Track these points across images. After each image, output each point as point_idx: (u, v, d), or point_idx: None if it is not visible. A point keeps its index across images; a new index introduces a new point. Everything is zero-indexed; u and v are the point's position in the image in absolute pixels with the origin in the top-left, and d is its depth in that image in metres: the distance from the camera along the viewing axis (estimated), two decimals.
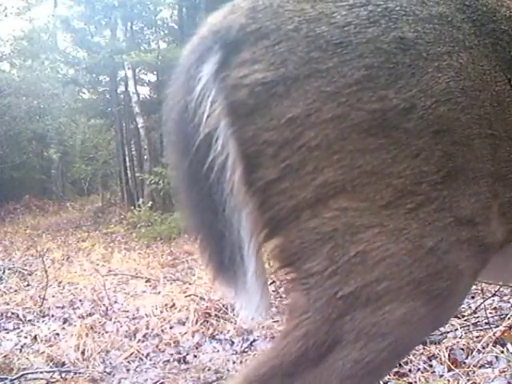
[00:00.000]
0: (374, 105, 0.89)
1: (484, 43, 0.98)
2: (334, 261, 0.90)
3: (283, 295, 3.88)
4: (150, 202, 10.84)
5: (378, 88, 0.89)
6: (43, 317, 4.22)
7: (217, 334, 3.54)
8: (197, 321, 3.73)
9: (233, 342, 3.40)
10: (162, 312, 4.06)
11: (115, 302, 4.58)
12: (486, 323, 2.81)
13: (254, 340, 3.35)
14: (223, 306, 3.87)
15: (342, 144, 0.89)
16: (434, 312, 0.93)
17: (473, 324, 2.91)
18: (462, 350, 2.56)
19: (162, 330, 3.71)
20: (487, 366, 2.38)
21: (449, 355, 2.49)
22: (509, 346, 2.47)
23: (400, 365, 2.39)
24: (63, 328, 3.81)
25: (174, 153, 1.04)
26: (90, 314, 4.16)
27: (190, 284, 4.80)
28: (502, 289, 3.13)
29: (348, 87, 0.89)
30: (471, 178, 0.93)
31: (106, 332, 3.70)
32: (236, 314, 3.75)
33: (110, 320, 3.99)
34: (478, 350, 2.50)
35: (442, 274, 0.91)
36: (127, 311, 4.26)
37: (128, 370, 3.11)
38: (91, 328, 3.67)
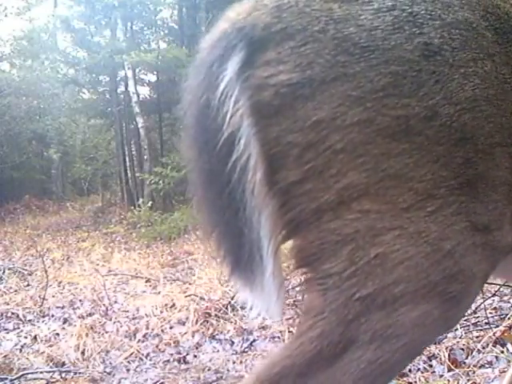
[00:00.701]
0: (398, 111, 0.89)
1: (505, 51, 0.97)
2: (354, 262, 0.90)
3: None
4: (150, 202, 10.82)
5: (402, 96, 0.89)
6: (43, 317, 4.22)
7: (217, 334, 3.54)
8: (197, 321, 3.73)
9: (233, 342, 3.40)
10: (162, 312, 4.06)
11: (115, 301, 4.58)
12: (486, 323, 2.81)
13: (254, 340, 3.36)
14: (223, 306, 3.88)
15: (366, 148, 0.89)
16: (447, 314, 0.94)
17: (473, 324, 2.91)
18: (462, 349, 2.57)
19: (162, 330, 3.71)
20: (487, 366, 2.38)
21: (449, 355, 2.49)
22: (509, 345, 2.47)
23: None
24: (63, 328, 3.81)
25: (191, 148, 1.02)
26: (90, 314, 4.16)
27: (190, 284, 4.80)
28: (502, 289, 3.13)
29: (374, 93, 0.89)
30: (490, 186, 0.93)
31: (106, 332, 3.70)
32: (236, 313, 3.75)
33: (110, 320, 3.99)
34: (478, 350, 2.51)
35: (457, 276, 0.92)
36: (127, 311, 4.26)
37: (128, 370, 3.12)
38: (91, 328, 3.67)
